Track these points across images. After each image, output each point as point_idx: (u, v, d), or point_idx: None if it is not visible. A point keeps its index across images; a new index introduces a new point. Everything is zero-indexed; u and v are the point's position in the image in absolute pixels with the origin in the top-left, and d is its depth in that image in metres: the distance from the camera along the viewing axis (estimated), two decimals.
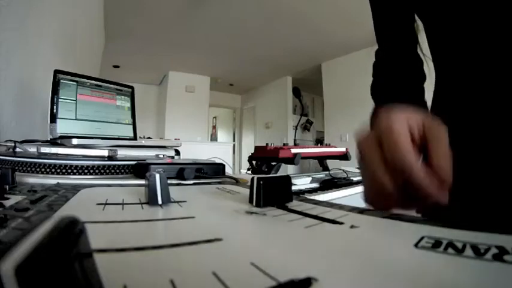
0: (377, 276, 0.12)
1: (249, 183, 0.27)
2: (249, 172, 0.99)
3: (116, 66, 3.95)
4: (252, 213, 0.24)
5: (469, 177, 0.36)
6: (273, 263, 0.13)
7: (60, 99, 0.77)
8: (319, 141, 4.65)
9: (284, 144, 1.00)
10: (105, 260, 0.12)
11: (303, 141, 4.61)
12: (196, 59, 3.74)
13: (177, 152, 0.89)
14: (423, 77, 0.41)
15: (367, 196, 0.25)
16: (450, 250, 0.14)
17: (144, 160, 0.54)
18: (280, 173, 0.98)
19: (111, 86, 0.91)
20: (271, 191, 0.25)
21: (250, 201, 0.26)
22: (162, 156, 0.78)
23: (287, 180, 0.27)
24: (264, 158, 0.93)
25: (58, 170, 0.48)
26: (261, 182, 0.25)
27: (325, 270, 0.12)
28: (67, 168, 0.48)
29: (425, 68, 0.42)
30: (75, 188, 0.33)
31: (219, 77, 4.56)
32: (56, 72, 0.77)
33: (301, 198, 0.30)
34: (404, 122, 0.22)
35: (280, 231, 0.19)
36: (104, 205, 0.25)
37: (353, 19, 2.49)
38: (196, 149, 3.00)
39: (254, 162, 0.97)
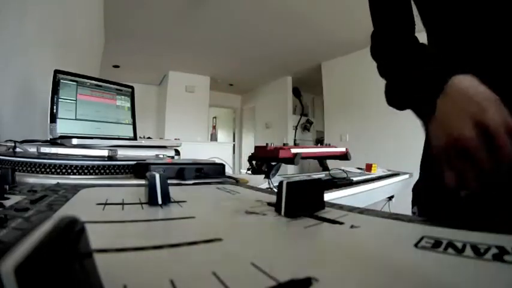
0: (377, 276, 0.12)
1: (249, 183, 0.27)
2: (249, 172, 0.99)
3: (116, 66, 3.95)
4: (251, 213, 0.24)
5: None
6: (273, 263, 0.13)
7: (60, 99, 0.77)
8: (319, 141, 4.65)
9: (284, 144, 1.00)
10: (105, 260, 0.12)
11: (303, 141, 4.61)
12: (196, 59, 3.74)
13: (177, 152, 0.89)
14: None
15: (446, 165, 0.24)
16: (450, 250, 0.14)
17: (144, 160, 0.54)
18: (280, 173, 0.98)
19: (111, 86, 0.91)
20: (304, 198, 0.22)
21: (277, 210, 0.22)
22: (162, 156, 0.78)
23: (319, 185, 0.24)
24: (264, 158, 0.93)
25: (58, 170, 0.48)
26: (293, 188, 0.21)
27: (325, 270, 0.12)
28: (67, 168, 0.48)
29: None
30: (75, 188, 0.33)
31: (219, 77, 4.56)
32: (56, 72, 0.77)
33: None
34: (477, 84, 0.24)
35: (280, 231, 0.19)
36: (104, 205, 0.25)
37: (353, 19, 2.48)
38: (196, 149, 3.00)
39: (254, 162, 0.97)
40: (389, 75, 0.38)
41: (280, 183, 0.22)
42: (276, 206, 0.23)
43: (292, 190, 0.21)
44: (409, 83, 0.32)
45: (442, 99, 0.26)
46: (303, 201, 0.22)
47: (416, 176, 0.46)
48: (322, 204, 0.24)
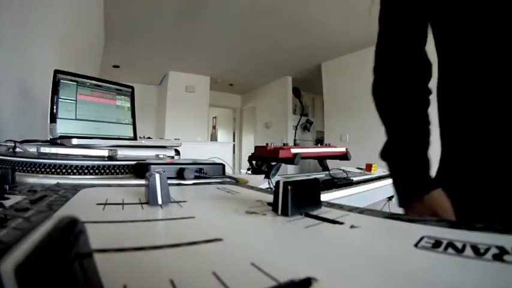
0: (377, 276, 0.12)
1: (249, 183, 0.27)
2: (249, 172, 0.99)
3: (116, 66, 3.95)
4: (252, 213, 0.24)
5: (472, 177, 0.36)
6: (273, 263, 0.13)
7: (60, 99, 0.77)
8: (319, 141, 4.64)
9: (284, 144, 1.00)
10: (105, 260, 0.12)
11: (303, 141, 4.60)
12: (196, 59, 3.74)
13: (177, 152, 0.89)
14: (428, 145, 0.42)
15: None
16: (450, 250, 0.14)
17: (144, 160, 0.54)
18: (280, 173, 0.98)
19: (111, 86, 0.91)
20: (300, 197, 0.22)
21: (274, 209, 0.23)
22: (162, 156, 0.78)
23: (316, 184, 0.24)
24: (264, 158, 0.93)
25: (58, 170, 0.48)
26: (289, 187, 0.22)
27: (325, 270, 0.12)
28: (67, 168, 0.48)
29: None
30: (75, 188, 0.33)
31: (219, 77, 4.55)
32: (56, 72, 0.77)
33: None
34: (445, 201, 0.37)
35: (280, 231, 0.19)
36: (104, 205, 0.25)
37: (353, 19, 2.49)
38: (196, 149, 3.00)
39: (254, 162, 0.97)
40: (389, 141, 0.44)
41: (277, 182, 0.23)
42: (273, 206, 0.23)
43: (288, 189, 0.22)
44: (402, 176, 0.42)
45: (422, 204, 0.38)
46: (300, 200, 0.22)
47: None
48: (319, 203, 0.25)
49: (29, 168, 0.48)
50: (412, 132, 0.41)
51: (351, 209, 0.25)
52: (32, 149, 0.65)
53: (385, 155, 0.44)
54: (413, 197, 0.39)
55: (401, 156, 0.41)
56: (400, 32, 0.43)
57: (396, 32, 0.43)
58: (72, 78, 0.81)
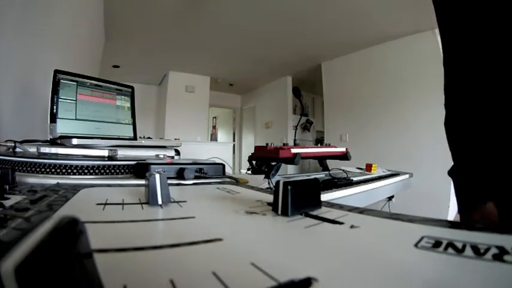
0: (377, 276, 0.12)
1: (249, 183, 0.27)
2: (249, 172, 0.98)
3: (116, 66, 3.95)
4: (251, 213, 0.24)
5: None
6: (273, 263, 0.13)
7: (60, 99, 0.77)
8: (319, 141, 4.64)
9: (284, 144, 1.00)
10: (105, 260, 0.12)
11: (303, 141, 4.60)
12: (196, 59, 3.73)
13: (177, 152, 0.89)
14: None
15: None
16: (450, 250, 0.14)
17: (144, 160, 0.54)
18: (280, 173, 0.98)
19: (111, 86, 0.91)
20: (300, 197, 0.22)
21: (274, 209, 0.23)
22: (162, 156, 0.78)
23: (316, 184, 0.24)
24: (264, 158, 0.93)
25: (58, 170, 0.48)
26: (289, 187, 0.22)
27: (325, 270, 0.12)
28: (67, 168, 0.48)
29: None
30: (75, 188, 0.33)
31: (219, 77, 4.55)
32: (56, 72, 0.77)
33: None
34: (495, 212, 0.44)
35: (280, 231, 0.19)
36: (104, 205, 0.25)
37: (353, 19, 2.49)
38: (196, 149, 3.00)
39: (254, 162, 0.97)
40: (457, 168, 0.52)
41: (277, 182, 0.23)
42: (273, 206, 0.23)
43: (289, 189, 0.22)
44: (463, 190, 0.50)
45: (480, 213, 0.46)
46: (300, 200, 0.22)
47: (416, 176, 0.48)
48: (319, 203, 0.25)
49: (29, 168, 0.48)
50: (477, 159, 0.49)
51: (351, 209, 0.25)
52: (32, 149, 0.65)
53: (452, 174, 0.53)
54: (471, 207, 0.48)
55: (467, 175, 0.50)
56: (464, 73, 0.48)
57: (461, 73, 0.49)
58: (72, 78, 0.81)
